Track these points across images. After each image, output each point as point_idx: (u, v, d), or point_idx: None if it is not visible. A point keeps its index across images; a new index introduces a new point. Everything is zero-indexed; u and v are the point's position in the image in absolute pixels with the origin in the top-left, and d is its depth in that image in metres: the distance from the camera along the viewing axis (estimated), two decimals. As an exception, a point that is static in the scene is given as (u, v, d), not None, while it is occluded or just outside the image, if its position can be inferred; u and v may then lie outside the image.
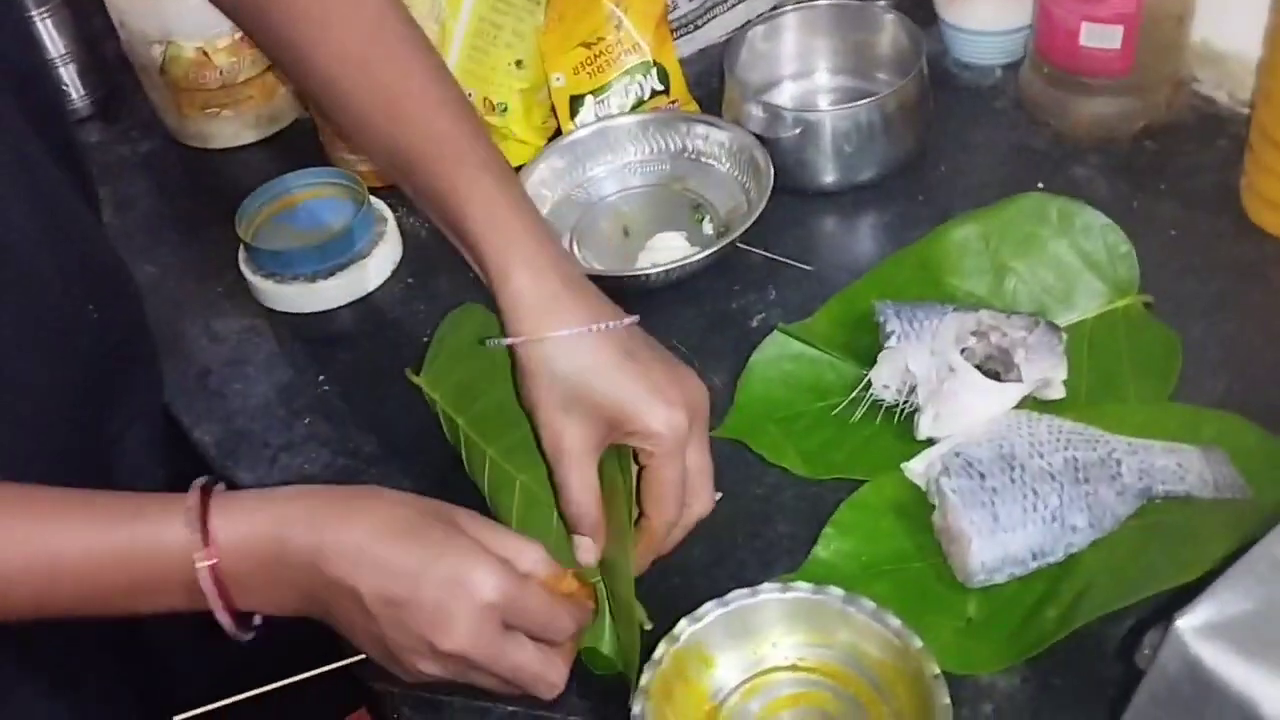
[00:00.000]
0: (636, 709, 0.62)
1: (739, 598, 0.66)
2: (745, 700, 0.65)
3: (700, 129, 1.02)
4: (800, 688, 0.65)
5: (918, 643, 0.63)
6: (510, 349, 0.68)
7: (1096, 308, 0.84)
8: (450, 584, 0.59)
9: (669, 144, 1.04)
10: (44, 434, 0.71)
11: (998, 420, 0.75)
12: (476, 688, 0.64)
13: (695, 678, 0.65)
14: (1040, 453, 0.72)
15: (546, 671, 0.63)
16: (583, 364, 0.66)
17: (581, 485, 0.67)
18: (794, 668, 0.66)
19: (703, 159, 1.03)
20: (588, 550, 0.68)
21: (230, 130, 1.17)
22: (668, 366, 0.69)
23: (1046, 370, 0.77)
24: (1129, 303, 0.83)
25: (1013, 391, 0.77)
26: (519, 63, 1.08)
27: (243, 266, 1.00)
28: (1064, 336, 0.78)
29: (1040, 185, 0.96)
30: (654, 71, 1.08)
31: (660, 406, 0.66)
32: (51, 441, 0.72)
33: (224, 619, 0.61)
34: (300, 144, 1.16)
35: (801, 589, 0.67)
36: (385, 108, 0.71)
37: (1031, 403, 0.78)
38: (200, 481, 0.62)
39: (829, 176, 0.99)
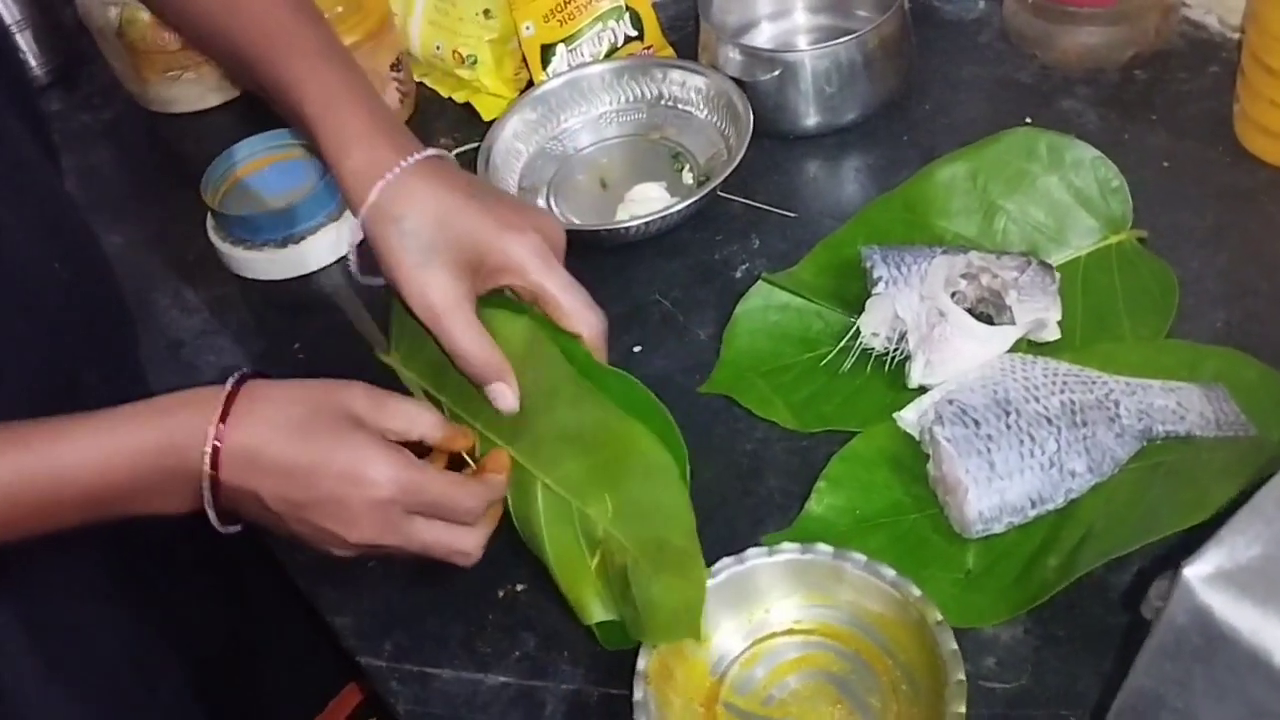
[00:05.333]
0: (638, 694, 0.60)
1: (726, 566, 0.64)
2: (747, 669, 0.64)
3: (676, 75, 0.99)
4: (802, 650, 0.64)
5: (916, 591, 0.61)
6: (366, 236, 0.67)
7: (1089, 245, 0.81)
8: (345, 481, 0.60)
9: (644, 92, 1.01)
10: (15, 395, 0.69)
11: (991, 365, 0.73)
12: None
13: (693, 653, 0.63)
14: (1036, 396, 0.70)
15: (456, 543, 0.63)
16: (429, 211, 0.65)
17: (466, 333, 0.65)
18: (792, 631, 0.64)
19: (679, 106, 1.00)
20: (504, 395, 0.66)
21: (194, 94, 1.13)
22: (513, 203, 0.71)
23: (1040, 311, 0.75)
24: (1122, 238, 0.81)
25: (1006, 335, 0.74)
26: (486, 12, 1.05)
27: (211, 234, 0.97)
28: (1057, 276, 0.76)
29: (1028, 120, 0.94)
30: (626, 16, 1.05)
31: (512, 234, 0.65)
32: (22, 403, 0.70)
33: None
34: (265, 105, 1.12)
35: (789, 549, 0.65)
36: (225, 4, 0.71)
37: (1025, 345, 0.76)
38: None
39: (810, 119, 0.96)
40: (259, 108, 1.13)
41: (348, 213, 0.96)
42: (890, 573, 0.62)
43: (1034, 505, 0.67)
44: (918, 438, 0.73)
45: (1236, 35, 0.96)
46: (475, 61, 1.06)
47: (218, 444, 0.59)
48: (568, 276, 0.66)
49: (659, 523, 0.62)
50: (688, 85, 0.99)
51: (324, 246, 0.95)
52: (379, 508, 0.60)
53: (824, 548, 0.64)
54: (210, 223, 0.98)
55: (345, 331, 0.90)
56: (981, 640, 0.64)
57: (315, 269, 0.96)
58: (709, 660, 0.64)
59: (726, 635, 0.64)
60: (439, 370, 0.73)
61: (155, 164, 1.11)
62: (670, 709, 0.61)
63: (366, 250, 0.67)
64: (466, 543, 0.63)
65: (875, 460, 0.72)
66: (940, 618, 0.60)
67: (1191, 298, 0.78)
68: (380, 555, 0.64)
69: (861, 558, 0.63)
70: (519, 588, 0.72)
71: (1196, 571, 0.45)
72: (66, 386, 0.77)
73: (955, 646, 0.58)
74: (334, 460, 0.60)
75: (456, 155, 1.01)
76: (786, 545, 0.65)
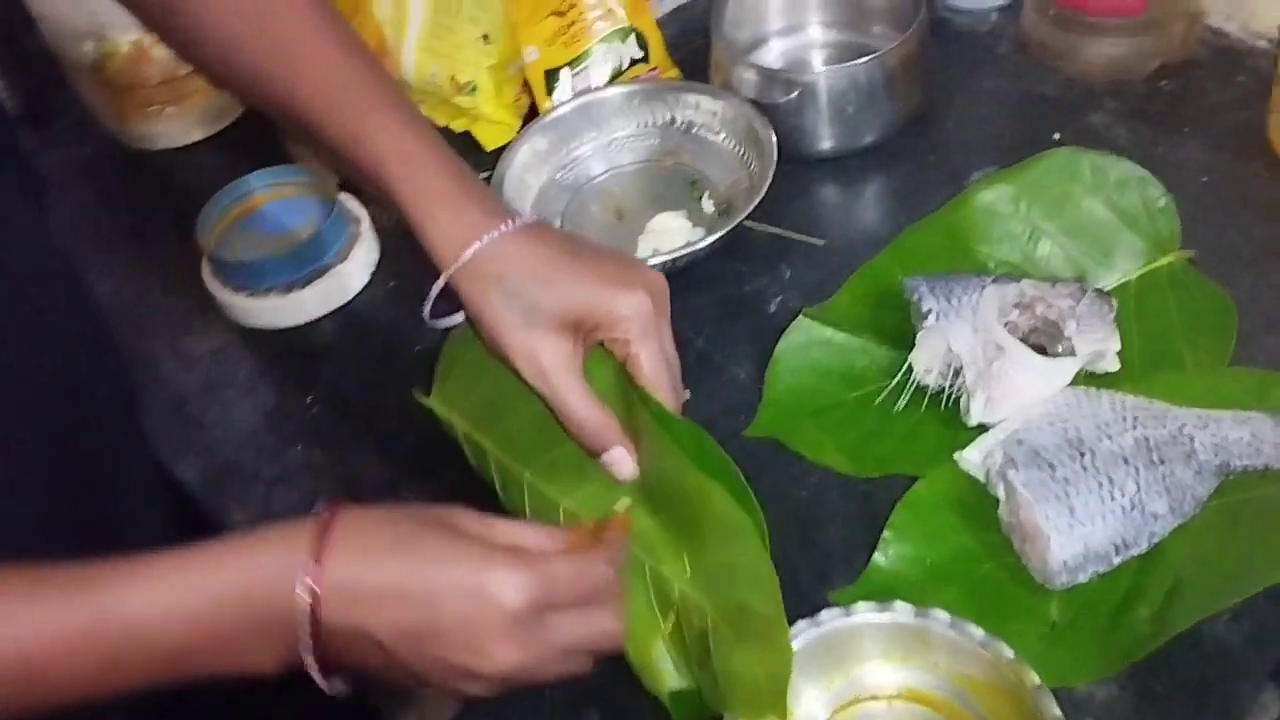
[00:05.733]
0: None
1: (803, 630, 0.60)
2: (830, 739, 0.60)
3: (690, 98, 0.95)
4: (889, 717, 0.60)
5: (1009, 653, 0.58)
6: (459, 298, 0.64)
7: (1138, 268, 0.79)
8: (471, 599, 0.53)
9: (657, 116, 0.97)
10: (11, 468, 0.64)
11: (1054, 400, 0.71)
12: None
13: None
14: (1108, 434, 0.67)
15: (598, 627, 0.56)
16: (531, 270, 0.63)
17: (580, 398, 0.62)
18: (876, 697, 0.61)
19: (694, 130, 0.96)
20: (623, 462, 0.63)
21: (176, 128, 1.08)
22: (616, 257, 0.68)
23: (1099, 342, 0.72)
24: (1172, 260, 0.78)
25: (1068, 367, 0.72)
26: (486, 37, 1.00)
27: (208, 280, 0.92)
28: (1115, 304, 0.73)
29: (1056, 136, 0.91)
30: (632, 38, 1.01)
31: (620, 291, 0.63)
32: (21, 479, 0.65)
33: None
34: (254, 138, 1.07)
35: (866, 609, 0.61)
36: (286, 60, 0.68)
37: (1083, 377, 0.73)
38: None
39: (830, 141, 0.93)
40: (246, 141, 1.09)
41: (357, 252, 0.92)
42: (979, 632, 0.59)
43: (1118, 551, 0.64)
44: (983, 479, 0.70)
45: (1261, 43, 0.94)
46: (474, 88, 1.01)
47: (315, 586, 0.52)
48: (661, 353, 0.63)
49: (740, 587, 0.59)
50: (702, 108, 0.95)
51: (333, 289, 0.91)
52: (514, 623, 0.53)
53: (904, 606, 0.61)
54: (207, 268, 0.93)
55: (360, 380, 0.86)
56: (1075, 699, 0.61)
57: (324, 314, 0.91)
58: (791, 727, 0.60)
59: (808, 702, 0.61)
60: (489, 414, 0.69)
61: (139, 205, 1.05)
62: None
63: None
64: (607, 623, 0.56)
65: (941, 505, 0.69)
66: (1038, 681, 0.57)
67: (1248, 320, 0.75)
68: (523, 684, 0.55)
69: (946, 616, 0.60)
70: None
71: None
72: (66, 455, 0.72)
73: (1059, 713, 0.55)
74: (452, 577, 0.53)
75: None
76: (863, 605, 0.62)
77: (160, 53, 1.04)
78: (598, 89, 0.98)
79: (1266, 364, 0.73)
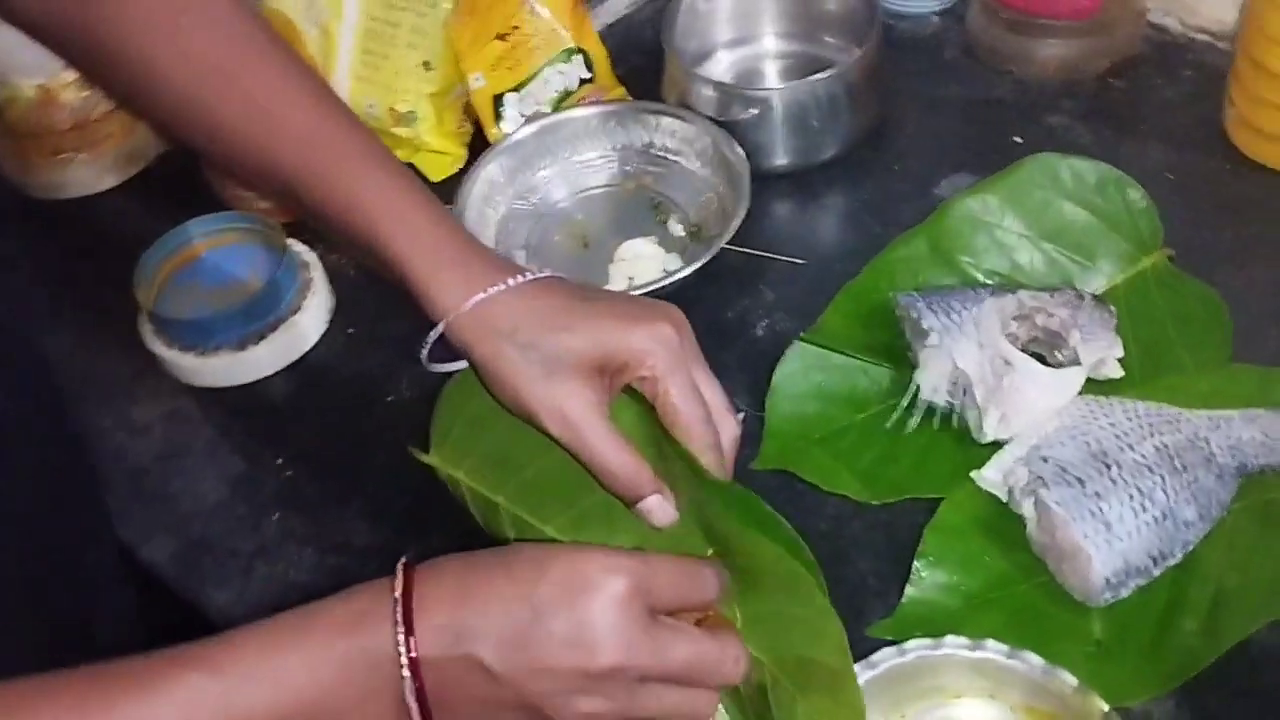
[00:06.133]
0: None
1: (859, 673, 0.58)
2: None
3: (649, 119, 0.93)
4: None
5: (1071, 680, 0.57)
6: (469, 354, 0.62)
7: (1123, 270, 0.79)
8: (571, 590, 0.49)
9: (615, 139, 0.94)
10: None
11: (1068, 412, 0.70)
12: None
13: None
14: (1129, 443, 0.67)
15: (723, 646, 0.52)
16: (545, 322, 0.60)
17: (612, 446, 0.59)
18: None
19: (654, 150, 0.93)
20: (662, 510, 0.60)
21: (88, 176, 1.01)
22: (628, 297, 0.68)
23: (1103, 349, 0.72)
24: (1155, 260, 0.79)
25: (1076, 378, 0.71)
26: (426, 64, 0.96)
27: (149, 340, 0.86)
28: (1114, 310, 0.73)
29: (1018, 140, 0.91)
30: (579, 58, 0.97)
31: (640, 326, 0.60)
32: None
33: None
34: (171, 182, 1.01)
35: (920, 647, 0.60)
36: (261, 118, 0.64)
37: (1087, 385, 0.73)
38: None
39: (789, 157, 0.91)
40: (166, 185, 1.02)
41: (312, 300, 0.87)
42: (1039, 661, 0.58)
43: (1156, 564, 0.64)
44: (1004, 498, 0.69)
45: (1201, 37, 0.96)
46: (415, 118, 0.97)
47: (412, 656, 0.48)
48: (692, 382, 0.60)
49: (800, 640, 0.57)
50: (662, 128, 0.92)
51: (290, 342, 0.85)
52: (619, 607, 0.49)
53: (957, 640, 0.60)
54: (147, 327, 0.86)
55: (334, 437, 0.81)
56: (1131, 718, 0.60)
57: (281, 368, 0.85)
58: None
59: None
60: (498, 469, 0.65)
61: (58, 261, 0.97)
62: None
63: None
64: (730, 643, 0.52)
65: (968, 529, 0.68)
66: (1106, 708, 0.56)
67: (1238, 316, 0.76)
68: (634, 709, 0.50)
69: (1003, 646, 0.59)
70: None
71: None
72: (33, 548, 0.66)
73: None
74: (549, 574, 0.49)
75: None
76: (915, 642, 0.60)
77: (70, 96, 0.97)
78: (549, 114, 0.94)
79: (1262, 360, 0.74)
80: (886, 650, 0.60)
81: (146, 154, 1.03)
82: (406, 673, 0.48)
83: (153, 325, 0.86)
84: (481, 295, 0.60)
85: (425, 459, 0.66)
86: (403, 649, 0.48)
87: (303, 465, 0.79)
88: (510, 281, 0.61)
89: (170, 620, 0.74)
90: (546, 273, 0.63)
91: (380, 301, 0.89)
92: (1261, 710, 0.60)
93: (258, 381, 0.85)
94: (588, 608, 0.49)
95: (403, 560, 0.50)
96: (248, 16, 0.66)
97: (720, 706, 0.59)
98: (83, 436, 0.75)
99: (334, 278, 0.90)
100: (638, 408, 0.62)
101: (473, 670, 0.49)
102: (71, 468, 0.72)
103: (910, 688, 0.59)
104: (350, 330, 0.88)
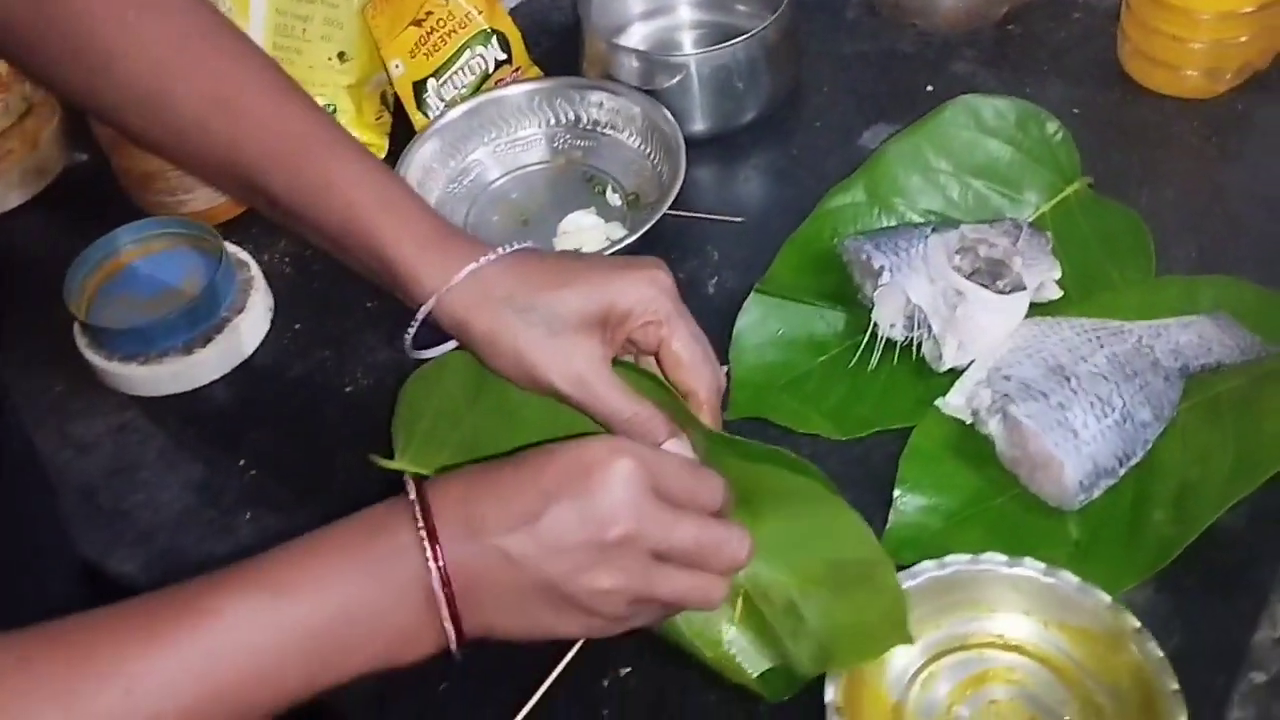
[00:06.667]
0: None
1: (957, 563, 0.61)
2: (928, 690, 0.60)
3: (575, 95, 0.94)
4: (980, 666, 0.61)
5: (1105, 598, 0.60)
6: (465, 329, 0.62)
7: (1049, 199, 0.83)
8: (580, 472, 0.52)
9: (544, 115, 0.94)
10: None
11: (1020, 334, 0.73)
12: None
13: (872, 678, 0.59)
14: (1081, 356, 0.70)
15: (729, 527, 0.54)
16: (540, 284, 0.61)
17: (623, 395, 0.60)
18: (965, 646, 0.61)
19: (582, 125, 0.94)
20: (684, 452, 0.61)
21: (-9, 196, 0.97)
22: (612, 258, 0.70)
23: (1044, 273, 0.76)
24: (1078, 187, 0.83)
25: (1022, 301, 0.75)
26: (341, 55, 0.95)
27: (87, 352, 0.83)
28: (1050, 236, 0.77)
29: (930, 88, 0.95)
30: (494, 40, 0.98)
31: (635, 275, 0.62)
32: None
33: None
34: (82, 194, 0.99)
35: (928, 569, 0.62)
36: (222, 108, 0.64)
37: (1030, 308, 0.76)
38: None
39: (711, 121, 0.93)
40: (71, 198, 0.99)
41: (253, 301, 0.85)
42: (1073, 579, 0.61)
43: (1121, 464, 0.67)
44: (969, 420, 0.72)
45: (1084, -21, 1.01)
46: (334, 110, 0.96)
47: (436, 545, 0.50)
48: (694, 325, 0.62)
49: (826, 546, 0.59)
50: (589, 101, 0.93)
51: (233, 345, 0.84)
52: (627, 480, 0.51)
53: (995, 557, 0.62)
54: (82, 340, 0.84)
55: (293, 435, 0.80)
56: (1117, 608, 0.64)
57: (227, 371, 0.84)
58: (886, 683, 0.60)
59: (902, 654, 0.61)
60: (482, 446, 0.65)
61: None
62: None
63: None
64: (735, 535, 0.54)
65: (940, 453, 0.71)
66: (1138, 625, 0.59)
67: (1156, 234, 0.80)
68: (648, 589, 0.53)
69: (1039, 564, 0.61)
70: (624, 671, 0.65)
71: None
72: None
73: (1162, 654, 0.57)
74: (557, 461, 0.52)
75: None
76: (954, 556, 0.62)
77: (-33, 115, 0.93)
78: (472, 96, 0.94)
79: (1182, 270, 0.79)
80: (926, 563, 0.62)
81: (53, 167, 1.00)
82: (432, 564, 0.50)
83: (87, 338, 0.83)
84: (474, 265, 0.61)
85: (391, 465, 0.63)
86: (427, 544, 0.50)
87: (266, 464, 0.78)
88: (501, 250, 0.62)
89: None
90: (529, 244, 0.64)
91: (320, 297, 0.88)
92: (1228, 583, 0.64)
93: (205, 386, 0.83)
94: (598, 484, 0.51)
95: (407, 474, 0.53)
96: (204, 7, 0.65)
97: (729, 635, 0.60)
98: (34, 454, 0.73)
99: (271, 277, 0.88)
100: (619, 369, 0.63)
101: (491, 558, 0.51)
102: (25, 486, 0.70)
103: (948, 599, 0.61)
104: (296, 326, 0.86)
